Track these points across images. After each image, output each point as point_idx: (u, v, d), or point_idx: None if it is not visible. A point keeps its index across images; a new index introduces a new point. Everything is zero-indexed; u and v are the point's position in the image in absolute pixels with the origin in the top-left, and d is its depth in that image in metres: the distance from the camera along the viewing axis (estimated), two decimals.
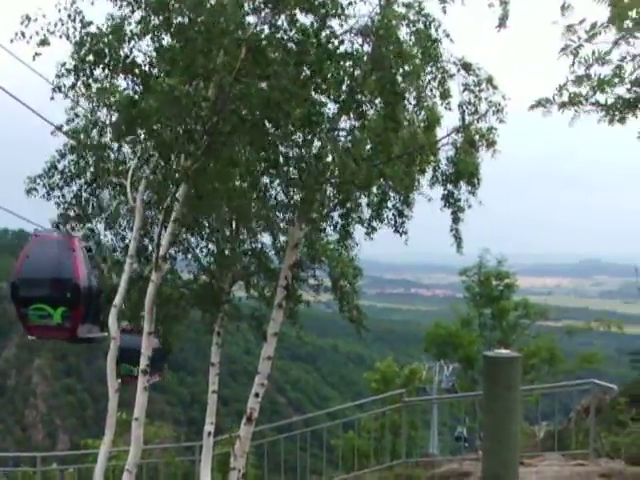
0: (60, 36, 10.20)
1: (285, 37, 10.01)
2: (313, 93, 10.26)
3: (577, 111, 7.06)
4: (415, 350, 49.98)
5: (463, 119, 11.25)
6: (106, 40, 10.26)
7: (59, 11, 10.05)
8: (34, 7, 9.84)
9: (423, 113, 11.52)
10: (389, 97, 10.18)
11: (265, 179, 12.05)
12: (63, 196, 13.43)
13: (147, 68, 10.73)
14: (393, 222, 12.32)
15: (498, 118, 11.17)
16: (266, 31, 10.09)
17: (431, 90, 10.89)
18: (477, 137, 11.67)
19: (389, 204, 12.34)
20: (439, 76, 10.76)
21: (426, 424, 36.33)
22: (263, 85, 9.94)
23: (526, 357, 27.71)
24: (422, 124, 11.85)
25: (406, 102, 10.81)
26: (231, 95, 10.05)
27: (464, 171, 11.93)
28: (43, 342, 16.50)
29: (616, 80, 6.91)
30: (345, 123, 11.09)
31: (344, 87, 10.17)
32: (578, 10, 6.98)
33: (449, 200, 12.14)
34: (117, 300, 12.57)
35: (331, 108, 10.66)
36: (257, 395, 12.64)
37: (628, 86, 7.00)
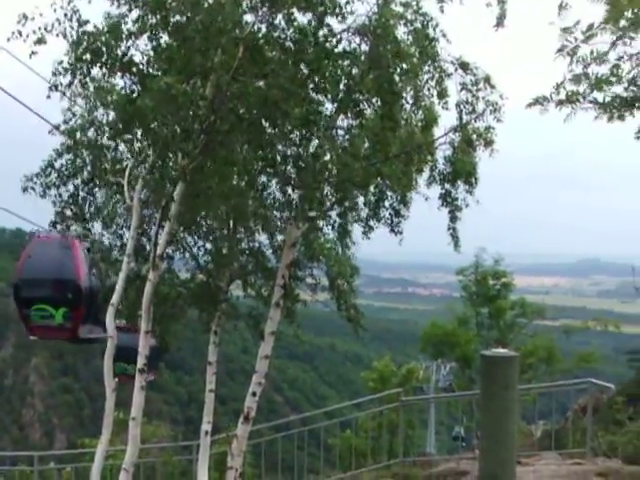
0: (57, 35, 10.20)
1: (283, 36, 10.01)
2: (311, 92, 10.27)
3: (574, 108, 7.06)
4: (412, 349, 49.94)
5: (460, 118, 11.24)
6: (103, 39, 10.26)
7: (54, 11, 10.06)
8: (31, 6, 9.85)
9: (420, 112, 11.51)
10: (386, 96, 10.18)
11: (262, 178, 12.05)
12: (59, 195, 13.40)
13: (144, 67, 10.73)
14: (389, 222, 12.33)
15: (495, 117, 11.17)
16: (263, 30, 10.09)
17: (428, 89, 10.88)
18: (475, 136, 11.66)
19: (386, 203, 12.34)
20: (436, 75, 10.74)
21: (423, 423, 36.39)
22: (261, 84, 9.94)
23: (523, 356, 27.71)
24: (419, 123, 11.86)
25: (403, 101, 10.80)
26: (228, 94, 10.05)
27: (461, 170, 11.93)
28: (40, 341, 16.45)
29: (613, 79, 6.92)
30: (343, 122, 11.10)
31: (341, 86, 10.17)
32: (575, 9, 6.99)
33: (446, 199, 12.14)
34: (114, 299, 12.55)
35: (328, 108, 10.67)
36: (254, 394, 12.64)
37: (625, 85, 7.01)
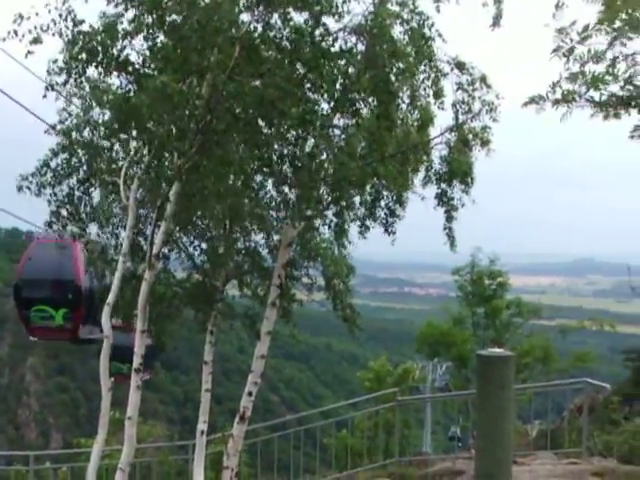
0: (53, 34, 10.19)
1: (279, 35, 10.00)
2: (307, 92, 10.27)
3: (570, 107, 7.07)
4: (408, 349, 49.98)
5: (457, 118, 11.25)
6: (99, 38, 10.24)
7: (49, 12, 10.04)
8: (27, 5, 9.83)
9: (417, 112, 11.51)
10: (383, 96, 10.18)
11: (258, 177, 12.05)
12: (55, 194, 13.38)
13: (140, 66, 10.72)
14: (384, 221, 12.33)
15: (491, 117, 11.19)
16: (259, 29, 10.08)
17: (425, 89, 10.87)
18: (471, 136, 11.68)
19: (382, 203, 12.35)
20: (432, 75, 10.73)
21: (419, 423, 36.37)
22: (257, 83, 9.93)
23: (519, 356, 27.76)
24: (416, 123, 11.86)
25: (400, 101, 10.80)
26: (225, 93, 10.04)
27: (457, 170, 11.94)
28: (36, 341, 16.51)
29: (610, 77, 6.92)
30: (339, 121, 11.10)
31: (338, 85, 10.17)
32: (571, 9, 6.99)
33: (442, 199, 12.15)
34: (110, 298, 12.54)
35: (324, 107, 10.66)
36: (250, 394, 12.65)
37: (621, 84, 7.02)
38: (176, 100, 9.59)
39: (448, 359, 35.62)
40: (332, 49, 10.08)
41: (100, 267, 14.63)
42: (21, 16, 9.72)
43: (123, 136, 12.45)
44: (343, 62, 10.13)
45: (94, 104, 12.65)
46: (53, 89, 10.89)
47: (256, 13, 10.03)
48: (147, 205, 13.13)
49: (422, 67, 10.60)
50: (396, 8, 10.18)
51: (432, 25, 10.29)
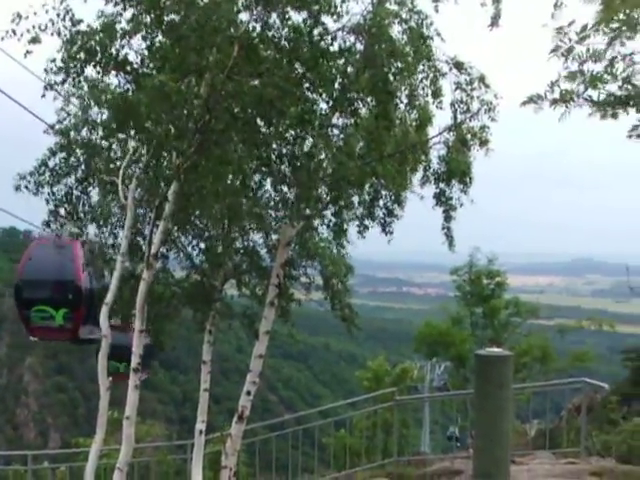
0: (52, 34, 10.19)
1: (277, 35, 10.00)
2: (306, 91, 10.27)
3: (568, 107, 7.07)
4: (407, 349, 50.00)
5: (455, 118, 11.23)
6: (97, 38, 10.24)
7: (46, 12, 10.04)
8: (25, 5, 9.83)
9: (415, 112, 11.50)
10: (381, 95, 10.18)
11: (257, 177, 12.04)
12: (53, 193, 13.36)
13: (139, 66, 10.72)
14: (382, 221, 12.33)
15: (490, 117, 11.18)
16: (258, 29, 10.08)
17: (423, 89, 10.86)
18: (469, 136, 11.67)
19: (380, 202, 12.35)
20: (431, 75, 10.72)
21: (418, 422, 36.41)
22: (255, 83, 9.93)
23: (518, 355, 27.82)
24: (414, 123, 11.86)
25: (398, 100, 10.78)
26: (223, 93, 10.04)
27: (456, 170, 11.93)
28: (36, 341, 16.53)
29: (608, 77, 6.92)
30: (338, 121, 11.09)
31: (336, 85, 10.17)
32: (569, 9, 6.99)
33: (441, 199, 12.13)
34: (108, 298, 12.54)
35: (323, 108, 10.66)
36: (249, 393, 12.64)
37: (620, 83, 7.02)
38: (174, 99, 9.58)
39: (446, 359, 35.67)
40: (331, 48, 10.08)
41: (99, 267, 14.62)
42: (19, 15, 9.72)
43: (121, 136, 12.44)
44: (342, 61, 10.13)
45: (92, 104, 12.63)
46: (52, 88, 10.89)
47: (255, 13, 10.03)
48: (145, 204, 13.12)
49: (421, 67, 10.59)
50: (395, 7, 10.18)
51: (431, 24, 10.30)
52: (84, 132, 12.83)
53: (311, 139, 10.70)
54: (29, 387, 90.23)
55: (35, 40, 9.89)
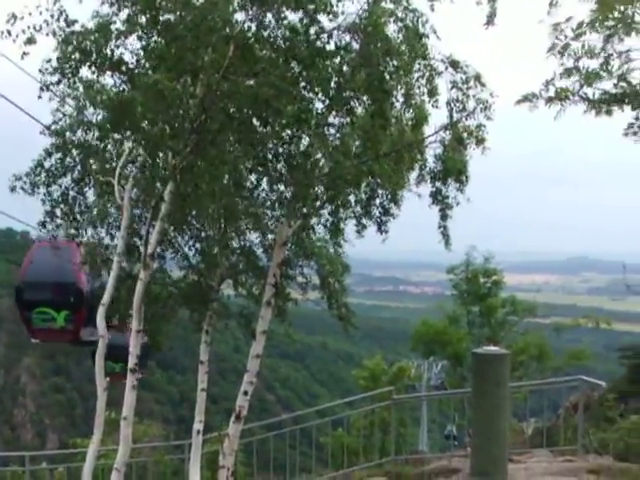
0: (47, 34, 10.18)
1: (273, 34, 10.00)
2: (302, 90, 10.26)
3: (563, 105, 7.09)
4: (404, 348, 49.95)
5: (451, 116, 11.24)
6: (92, 38, 10.23)
7: (40, 13, 10.03)
8: (20, 5, 9.82)
9: (411, 110, 11.49)
10: (377, 94, 10.18)
11: (253, 176, 12.04)
12: (49, 194, 13.34)
13: (134, 66, 10.71)
14: (378, 220, 12.33)
15: (486, 115, 11.17)
16: (254, 28, 10.08)
17: (419, 87, 10.86)
18: (465, 134, 11.67)
19: (377, 201, 12.35)
20: (427, 74, 10.72)
21: (415, 421, 36.44)
22: (251, 82, 9.92)
23: (514, 354, 27.76)
24: (410, 122, 11.85)
25: (394, 99, 10.79)
26: (219, 92, 10.04)
27: (452, 168, 11.94)
28: (37, 342, 16.52)
29: (604, 73, 6.93)
30: (334, 120, 11.08)
31: (332, 84, 10.17)
32: (564, 7, 7.01)
33: (437, 197, 12.15)
34: (105, 298, 12.53)
35: (319, 107, 10.66)
36: (246, 393, 12.64)
37: (615, 81, 7.03)
38: (169, 98, 9.59)
39: (443, 357, 35.66)
40: (327, 47, 10.08)
41: (96, 267, 14.61)
42: (14, 16, 9.72)
43: (117, 136, 12.43)
44: (338, 60, 10.13)
45: (88, 104, 12.61)
46: (47, 89, 10.89)
47: (250, 12, 10.03)
48: (142, 205, 13.11)
49: (416, 65, 10.59)
50: (390, 6, 10.18)
51: (426, 22, 10.28)
52: (80, 133, 12.81)
53: (307, 138, 10.70)
54: (26, 388, 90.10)
55: (30, 41, 9.89)
